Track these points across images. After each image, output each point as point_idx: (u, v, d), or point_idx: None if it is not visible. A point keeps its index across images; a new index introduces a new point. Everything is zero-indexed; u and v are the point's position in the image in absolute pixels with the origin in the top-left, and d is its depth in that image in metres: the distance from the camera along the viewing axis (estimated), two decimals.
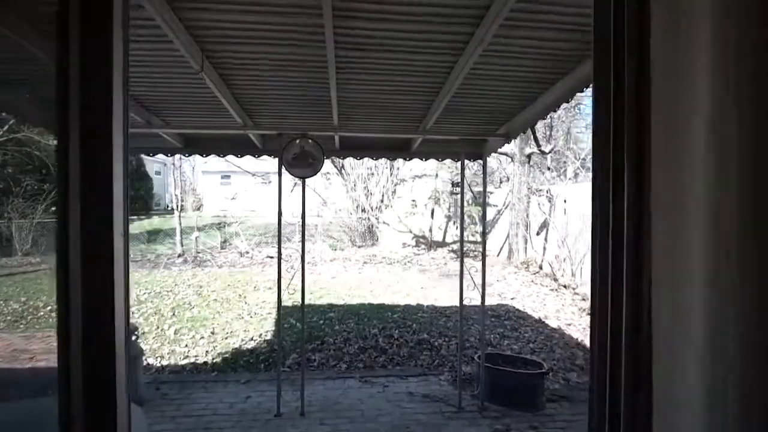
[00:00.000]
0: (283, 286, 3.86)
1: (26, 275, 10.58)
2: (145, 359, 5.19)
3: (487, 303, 4.22)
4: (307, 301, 7.98)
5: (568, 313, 7.11)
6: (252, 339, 5.88)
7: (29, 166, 15.58)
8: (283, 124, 3.77)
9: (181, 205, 15.66)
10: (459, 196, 14.21)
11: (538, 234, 11.03)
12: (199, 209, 29.22)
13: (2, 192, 15.64)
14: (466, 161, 4.13)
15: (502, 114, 3.53)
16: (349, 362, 5.13)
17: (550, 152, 11.34)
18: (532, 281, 9.45)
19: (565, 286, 8.61)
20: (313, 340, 5.75)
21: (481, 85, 2.93)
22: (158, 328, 6.35)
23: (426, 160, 4.75)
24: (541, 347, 5.72)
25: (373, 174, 16.49)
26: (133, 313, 7.14)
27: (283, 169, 3.75)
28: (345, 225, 15.91)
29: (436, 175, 15.17)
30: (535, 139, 9.73)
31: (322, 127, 3.78)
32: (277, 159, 3.75)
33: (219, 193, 29.04)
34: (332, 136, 3.93)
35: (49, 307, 7.36)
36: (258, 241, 15.21)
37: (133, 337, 4.15)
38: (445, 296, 8.57)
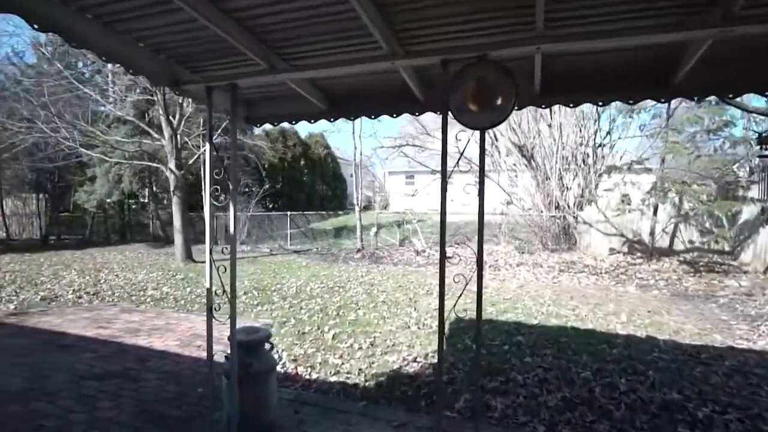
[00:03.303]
0: (455, 297, 2.46)
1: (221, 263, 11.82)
2: (294, 367, 4.50)
3: None
4: (488, 316, 6.44)
5: None
6: (416, 360, 4.67)
7: (247, 168, 18.23)
8: (448, 44, 2.33)
9: (365, 204, 15.95)
10: None
11: None
12: (385, 207, 30.85)
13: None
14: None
15: None
16: (548, 423, 3.40)
17: None
18: None
19: None
20: (494, 375, 4.18)
21: None
22: (318, 329, 5.73)
23: (701, 99, 2.69)
24: None
25: (570, 166, 13.80)
26: (300, 308, 6.80)
27: (453, 123, 2.34)
28: (535, 224, 13.63)
29: (662, 161, 11.56)
30: None
31: (513, 41, 2.21)
32: (442, 113, 2.37)
33: (403, 192, 30.35)
34: (531, 58, 2.34)
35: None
36: (436, 240, 14.31)
37: (267, 346, 3.35)
38: (689, 328, 5.86)
